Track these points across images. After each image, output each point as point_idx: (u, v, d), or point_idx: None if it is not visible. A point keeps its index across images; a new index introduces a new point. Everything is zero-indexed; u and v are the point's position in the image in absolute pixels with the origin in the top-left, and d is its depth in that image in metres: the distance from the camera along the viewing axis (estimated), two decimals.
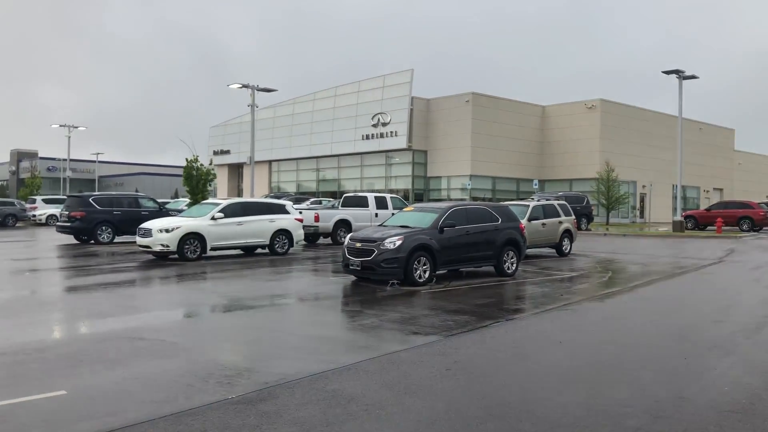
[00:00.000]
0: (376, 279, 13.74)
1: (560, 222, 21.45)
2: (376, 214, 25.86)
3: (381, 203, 26.85)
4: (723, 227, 34.52)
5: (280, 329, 9.26)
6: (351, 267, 13.93)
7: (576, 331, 9.22)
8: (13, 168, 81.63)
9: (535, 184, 48.20)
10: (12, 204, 41.88)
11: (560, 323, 9.88)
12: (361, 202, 26.73)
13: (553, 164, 52.50)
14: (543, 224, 20.77)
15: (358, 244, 13.85)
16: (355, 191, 41.21)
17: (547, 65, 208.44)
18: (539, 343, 8.53)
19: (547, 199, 27.40)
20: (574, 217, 22.55)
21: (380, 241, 13.45)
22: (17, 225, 39.33)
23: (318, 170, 57.15)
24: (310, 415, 5.32)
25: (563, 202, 23.69)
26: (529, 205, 21.20)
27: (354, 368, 6.89)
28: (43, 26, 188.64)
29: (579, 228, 28.02)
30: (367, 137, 50.98)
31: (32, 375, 6.55)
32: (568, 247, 21.59)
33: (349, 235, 14.88)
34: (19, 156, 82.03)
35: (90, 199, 25.01)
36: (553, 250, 21.52)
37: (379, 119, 50.01)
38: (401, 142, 48.88)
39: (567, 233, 21.53)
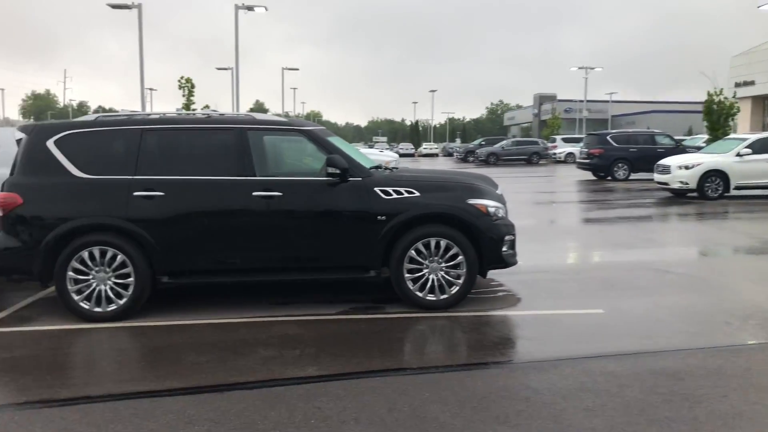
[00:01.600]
0: None
1: None
2: None
3: None
4: None
5: None
6: None
7: None
8: (536, 111, 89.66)
9: None
10: (536, 143, 46.49)
11: None
12: None
13: None
14: None
15: None
16: None
17: None
18: None
19: None
20: None
21: None
22: (540, 162, 43.46)
23: None
24: None
25: None
26: None
27: None
28: None
29: None
30: None
31: (571, 293, 7.28)
32: None
33: None
34: (541, 99, 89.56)
35: (608, 137, 25.82)
36: None
37: None
38: None
39: None
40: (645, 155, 24.27)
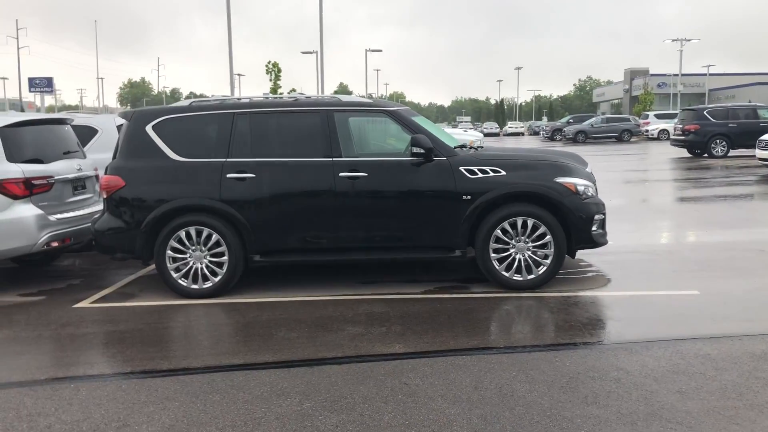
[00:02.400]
0: None
1: None
2: None
3: None
4: None
5: None
6: None
7: None
8: (626, 86, 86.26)
9: None
10: (627, 120, 44.76)
11: None
12: None
13: None
14: None
15: None
16: None
17: None
18: None
19: None
20: None
21: None
22: (631, 140, 41.84)
23: None
24: None
25: None
26: None
27: None
28: None
29: None
30: None
31: (664, 273, 7.02)
32: None
33: None
34: (632, 74, 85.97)
35: (704, 112, 24.52)
36: None
37: None
38: None
39: None
40: (746, 130, 22.94)
